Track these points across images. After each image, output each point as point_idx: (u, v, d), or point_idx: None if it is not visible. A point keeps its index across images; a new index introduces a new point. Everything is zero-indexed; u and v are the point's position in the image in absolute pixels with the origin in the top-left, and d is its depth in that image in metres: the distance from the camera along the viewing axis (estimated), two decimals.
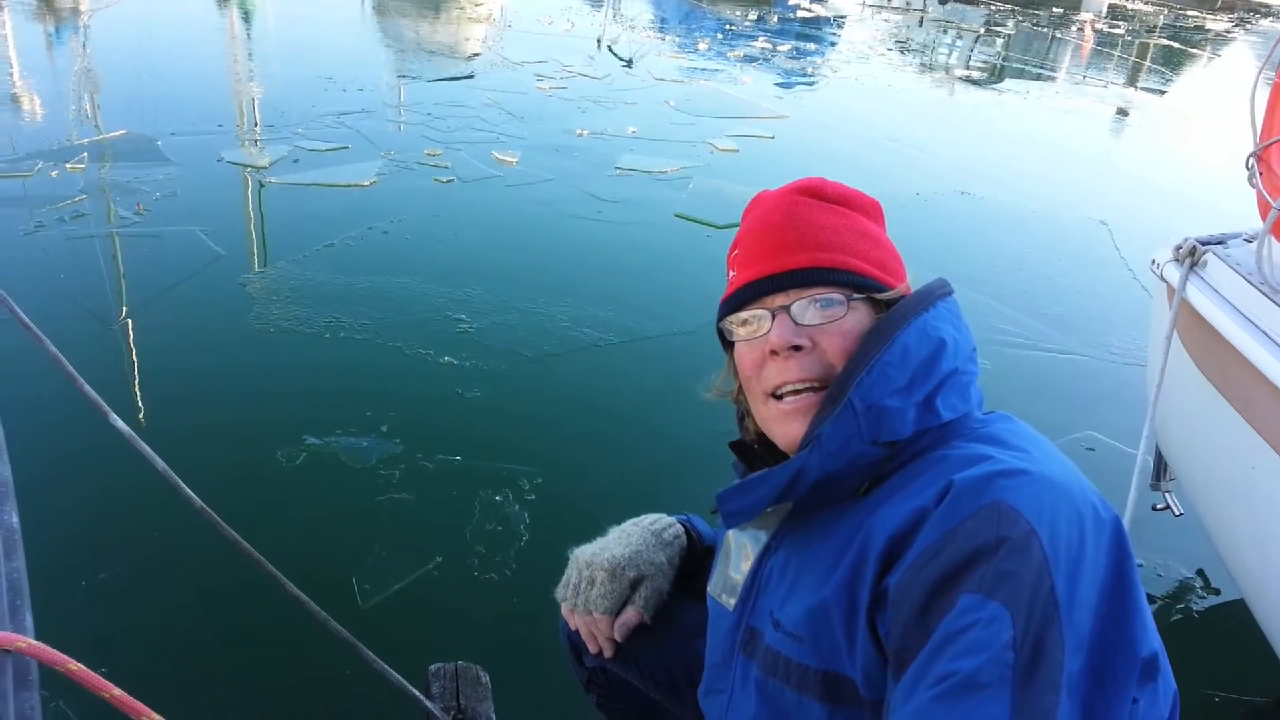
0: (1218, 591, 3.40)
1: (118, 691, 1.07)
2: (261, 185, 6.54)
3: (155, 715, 1.09)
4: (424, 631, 2.79)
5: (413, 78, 10.73)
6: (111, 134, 7.28)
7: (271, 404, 3.91)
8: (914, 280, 1.29)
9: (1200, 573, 3.48)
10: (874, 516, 1.08)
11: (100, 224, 5.61)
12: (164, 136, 7.29)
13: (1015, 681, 0.86)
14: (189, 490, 1.62)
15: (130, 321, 4.46)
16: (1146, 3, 35.52)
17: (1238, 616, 3.11)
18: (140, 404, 3.79)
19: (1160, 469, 3.45)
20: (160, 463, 1.60)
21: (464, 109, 9.12)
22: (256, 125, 8.02)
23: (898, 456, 1.13)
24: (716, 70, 13.03)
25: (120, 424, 1.57)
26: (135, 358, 4.16)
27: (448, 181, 6.95)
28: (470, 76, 10.99)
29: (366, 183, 6.74)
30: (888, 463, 1.13)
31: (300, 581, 1.70)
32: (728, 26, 18.10)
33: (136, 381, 3.97)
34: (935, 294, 1.21)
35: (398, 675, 1.83)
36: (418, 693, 1.89)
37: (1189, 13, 33.74)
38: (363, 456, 3.54)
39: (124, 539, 3.04)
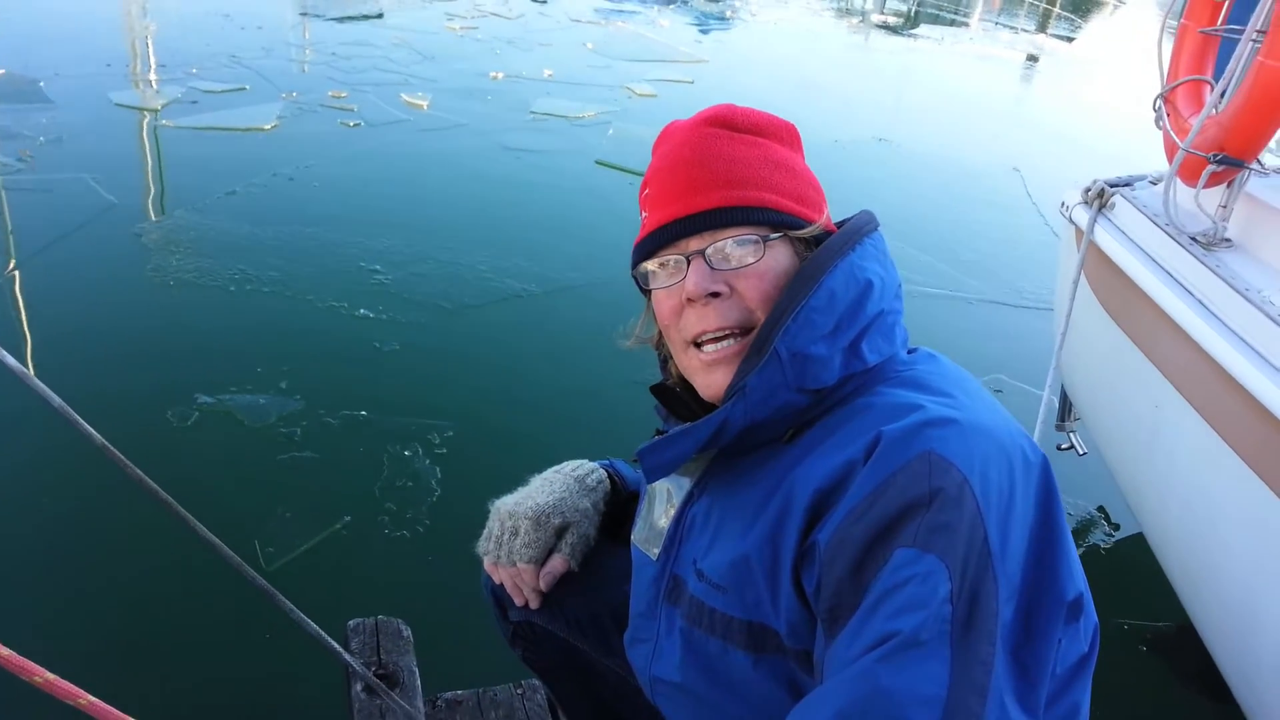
0: (1118, 526, 3.54)
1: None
2: (156, 129, 6.20)
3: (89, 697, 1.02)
4: (337, 591, 2.71)
5: (316, 15, 10.27)
6: None
7: (168, 361, 3.72)
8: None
9: (1102, 509, 3.62)
10: (799, 468, 1.05)
11: None
12: (47, 77, 6.84)
13: (954, 635, 0.85)
14: (88, 427, 1.52)
15: (16, 275, 4.20)
16: None
17: (1139, 549, 3.25)
18: (28, 361, 3.58)
19: (1065, 409, 3.56)
20: (56, 399, 1.49)
21: (370, 49, 8.78)
22: (150, 65, 7.59)
23: (823, 402, 1.10)
24: (634, 12, 12.81)
25: (10, 360, 1.46)
26: (22, 313, 3.92)
27: (354, 125, 6.70)
28: (379, 16, 10.58)
29: (268, 126, 6.45)
30: (813, 409, 1.10)
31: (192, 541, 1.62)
32: None
33: (23, 337, 3.75)
34: (861, 231, 1.16)
35: (316, 626, 1.77)
36: (337, 645, 1.84)
37: None
38: (261, 414, 3.39)
39: (14, 482, 2.90)
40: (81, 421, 1.52)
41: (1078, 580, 0.97)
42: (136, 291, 4.19)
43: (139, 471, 1.58)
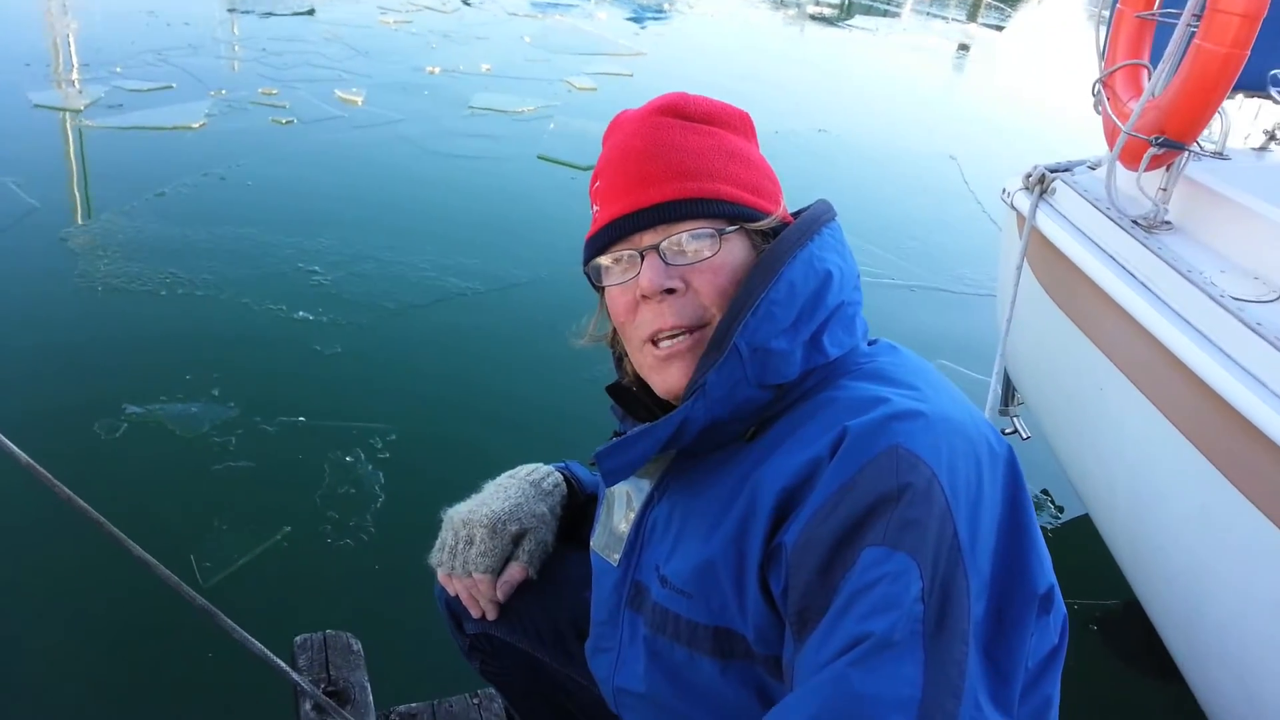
0: (1063, 509, 3.59)
1: None
2: (80, 130, 5.98)
3: None
4: (281, 605, 2.61)
5: (244, 11, 10.01)
6: None
7: (95, 371, 3.57)
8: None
9: (1046, 492, 3.68)
10: (762, 467, 1.02)
11: None
12: None
13: (926, 635, 0.83)
14: (12, 445, 1.43)
15: None
16: None
17: (1084, 531, 3.30)
18: None
19: (1009, 394, 3.60)
20: None
21: (302, 44, 8.58)
22: (71, 64, 7.31)
23: (785, 398, 1.07)
24: (571, 5, 12.73)
25: None
26: None
27: (287, 123, 6.54)
28: (310, 12, 10.34)
29: (196, 125, 6.25)
30: (774, 404, 1.07)
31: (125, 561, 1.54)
32: None
33: None
34: (819, 220, 1.13)
35: (260, 645, 1.70)
36: (283, 664, 1.76)
37: None
38: (193, 423, 3.26)
39: None
40: (4, 439, 1.43)
41: (1048, 572, 0.96)
42: (63, 298, 4.02)
43: (67, 490, 1.50)
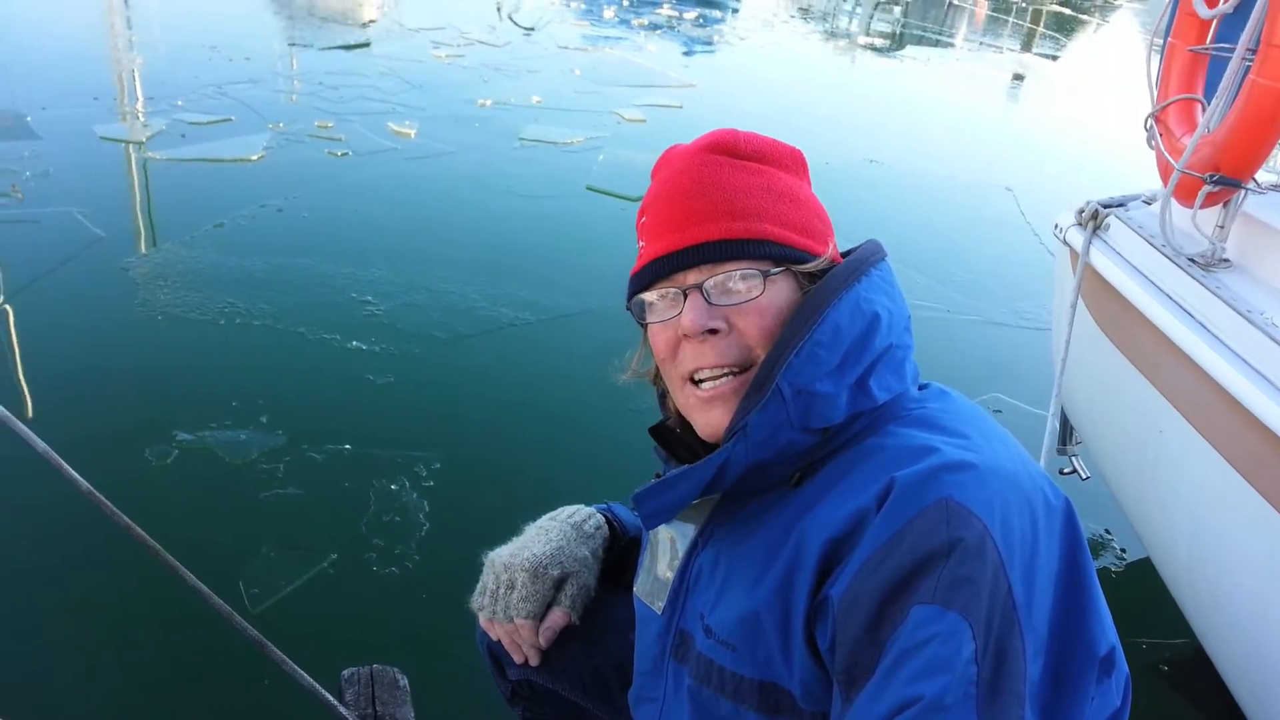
0: (1124, 551, 3.49)
1: None
2: (143, 162, 6.16)
3: None
4: (327, 635, 2.63)
5: (303, 45, 10.27)
6: None
7: (152, 397, 3.64)
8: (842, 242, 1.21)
9: (1109, 532, 3.58)
10: (808, 516, 1.00)
11: None
12: (34, 111, 6.80)
13: (980, 699, 0.80)
14: (74, 473, 1.48)
15: (8, 310, 4.15)
16: None
17: (1144, 574, 3.20)
18: (19, 397, 3.52)
19: (1067, 433, 3.52)
20: (41, 444, 1.45)
21: (357, 78, 8.77)
22: (136, 98, 7.56)
23: (830, 442, 1.05)
24: (621, 38, 12.85)
25: None
26: (12, 348, 3.86)
27: (342, 155, 6.68)
28: (365, 45, 10.59)
29: (254, 157, 6.41)
30: (819, 449, 1.05)
31: (180, 589, 1.57)
32: None
33: (11, 373, 3.69)
34: (868, 261, 1.12)
35: (309, 678, 1.71)
36: (331, 698, 1.78)
37: None
38: (242, 450, 3.31)
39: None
40: (67, 467, 1.48)
41: (1109, 632, 0.92)
42: (124, 326, 4.13)
43: (125, 518, 1.54)
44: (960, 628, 0.83)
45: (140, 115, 7.10)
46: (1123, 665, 0.95)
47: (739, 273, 1.07)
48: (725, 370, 1.08)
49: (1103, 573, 3.37)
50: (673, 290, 1.11)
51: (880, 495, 0.93)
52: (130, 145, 6.41)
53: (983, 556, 0.85)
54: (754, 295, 1.07)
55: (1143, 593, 3.25)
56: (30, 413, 3.45)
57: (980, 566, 0.85)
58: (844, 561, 0.93)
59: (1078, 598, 0.91)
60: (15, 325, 4.05)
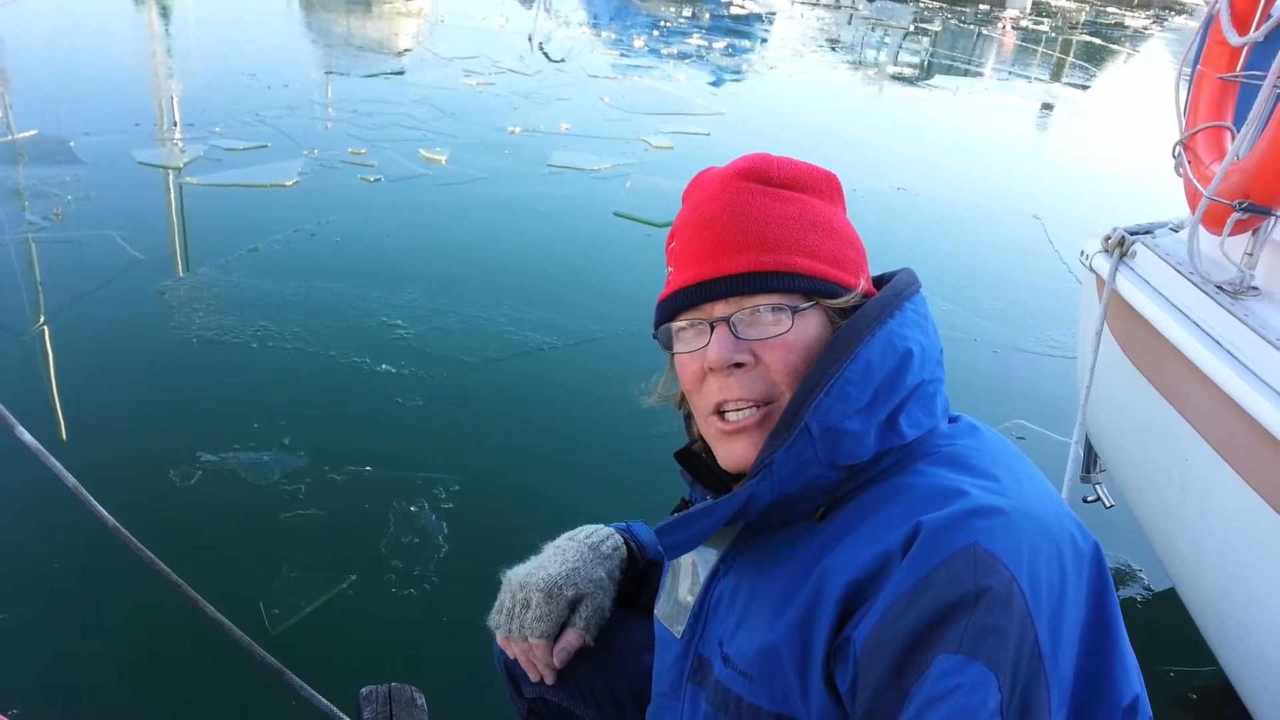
0: (1149, 580, 3.44)
1: None
2: (180, 187, 6.30)
3: None
4: (345, 654, 2.66)
5: (339, 74, 10.48)
6: (21, 135, 6.95)
7: (180, 419, 3.71)
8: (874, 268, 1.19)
9: (1133, 562, 3.53)
10: (831, 554, 0.99)
11: (11, 229, 5.34)
12: (77, 137, 6.98)
13: None
14: (101, 508, 1.52)
15: (44, 330, 4.25)
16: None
17: (1169, 604, 3.15)
18: (53, 418, 3.60)
19: (1091, 461, 3.48)
20: (70, 479, 1.49)
21: (391, 105, 8.92)
22: (175, 124, 7.74)
23: (857, 477, 1.04)
24: (650, 67, 12.98)
25: (28, 437, 1.46)
26: (47, 369, 3.96)
27: (374, 181, 6.78)
28: (400, 73, 10.77)
29: (289, 183, 6.53)
30: (846, 484, 1.04)
31: (201, 620, 1.60)
32: (661, 23, 18.05)
33: (48, 394, 3.77)
34: (902, 295, 1.10)
35: (327, 702, 1.74)
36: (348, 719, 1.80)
37: (1109, 9, 34.69)
38: (264, 471, 3.37)
39: (26, 560, 2.88)
40: (95, 503, 1.51)
41: (1134, 680, 0.91)
42: (159, 347, 4.21)
43: (150, 554, 1.57)
44: (986, 679, 0.82)
45: (179, 141, 7.26)
46: (1147, 711, 0.94)
47: (767, 306, 1.06)
48: (749, 404, 1.07)
49: (1127, 602, 3.32)
50: (700, 321, 1.10)
51: (906, 538, 0.92)
52: (169, 170, 6.56)
53: (1010, 606, 0.84)
54: (782, 330, 1.05)
55: (1168, 622, 3.20)
56: (63, 431, 3.52)
57: (1007, 616, 0.84)
58: (867, 604, 0.92)
59: (1104, 645, 0.90)
60: (53, 344, 4.15)
